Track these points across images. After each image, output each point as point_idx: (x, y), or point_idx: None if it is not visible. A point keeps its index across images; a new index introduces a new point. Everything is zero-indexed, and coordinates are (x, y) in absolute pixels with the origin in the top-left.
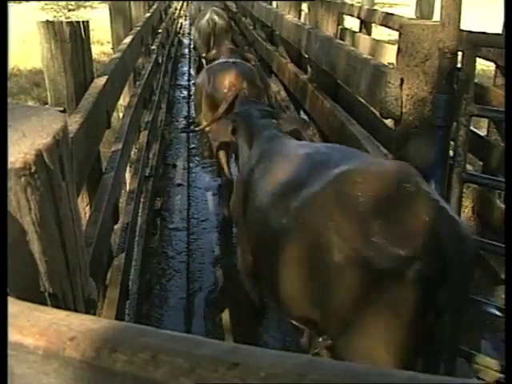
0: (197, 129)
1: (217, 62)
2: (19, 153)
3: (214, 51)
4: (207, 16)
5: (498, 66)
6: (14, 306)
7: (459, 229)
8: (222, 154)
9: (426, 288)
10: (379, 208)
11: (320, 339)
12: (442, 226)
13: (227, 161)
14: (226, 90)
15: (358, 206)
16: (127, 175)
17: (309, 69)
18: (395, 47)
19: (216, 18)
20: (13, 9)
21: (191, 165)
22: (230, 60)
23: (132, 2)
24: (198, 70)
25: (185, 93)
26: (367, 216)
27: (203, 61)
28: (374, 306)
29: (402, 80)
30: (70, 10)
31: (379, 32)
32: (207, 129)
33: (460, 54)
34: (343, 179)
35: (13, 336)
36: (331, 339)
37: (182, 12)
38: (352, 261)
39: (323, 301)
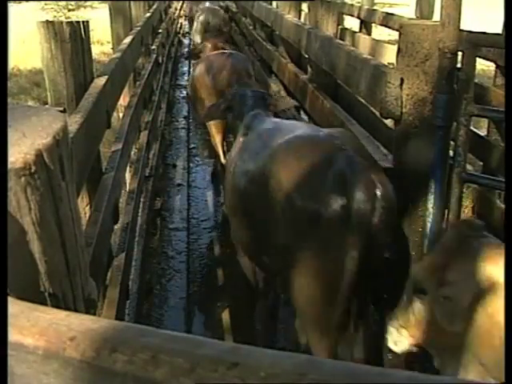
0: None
1: (213, 53)
2: (19, 153)
3: (200, 46)
4: (202, 15)
5: (498, 66)
6: (14, 306)
7: (378, 187)
8: (218, 139)
9: (339, 231)
10: (308, 167)
11: None
12: (355, 179)
13: (222, 145)
14: (225, 79)
15: (295, 166)
16: (127, 175)
17: (309, 69)
18: (395, 47)
19: (210, 17)
20: (13, 9)
21: (191, 165)
22: (226, 51)
23: (132, 2)
24: None
25: (185, 93)
26: (299, 173)
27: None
28: (307, 242)
29: (402, 80)
30: (69, 10)
31: (379, 32)
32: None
33: (460, 54)
34: (284, 147)
35: (13, 336)
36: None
37: (182, 12)
38: (286, 207)
39: (270, 244)
